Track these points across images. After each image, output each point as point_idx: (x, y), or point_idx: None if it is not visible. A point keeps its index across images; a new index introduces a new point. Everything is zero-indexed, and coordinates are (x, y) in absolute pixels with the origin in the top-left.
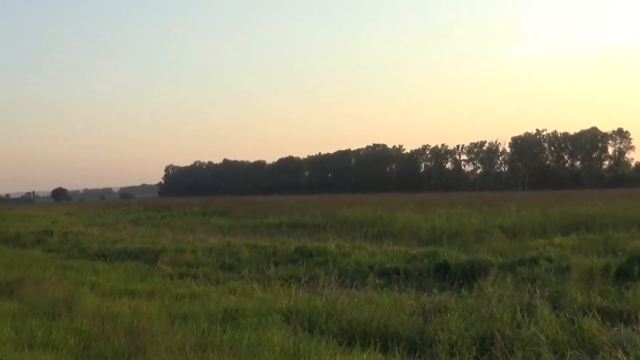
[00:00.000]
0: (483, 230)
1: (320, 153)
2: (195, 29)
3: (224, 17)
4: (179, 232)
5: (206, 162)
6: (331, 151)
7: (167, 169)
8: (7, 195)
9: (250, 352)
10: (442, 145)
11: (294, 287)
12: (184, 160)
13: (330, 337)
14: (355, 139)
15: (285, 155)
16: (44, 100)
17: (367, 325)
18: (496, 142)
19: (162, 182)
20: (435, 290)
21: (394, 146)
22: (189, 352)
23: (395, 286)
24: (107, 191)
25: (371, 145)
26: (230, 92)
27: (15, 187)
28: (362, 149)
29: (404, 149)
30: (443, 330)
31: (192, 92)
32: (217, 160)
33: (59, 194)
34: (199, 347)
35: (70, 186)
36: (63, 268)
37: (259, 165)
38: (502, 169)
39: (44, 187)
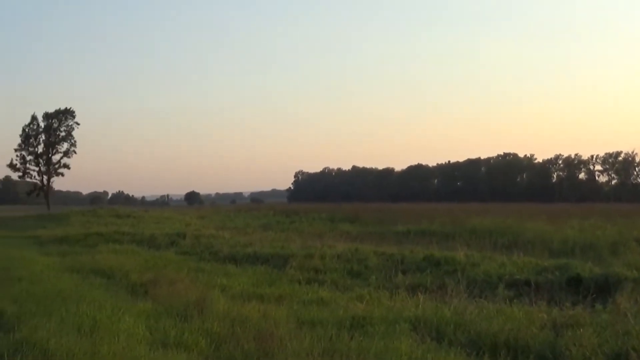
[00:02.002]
0: (618, 243)
1: (449, 161)
2: (319, 38)
3: (347, 26)
4: (308, 238)
5: (335, 168)
6: (461, 159)
7: (296, 175)
8: (143, 197)
9: None
10: (576, 155)
11: (422, 296)
12: (314, 166)
13: (459, 347)
14: (486, 147)
15: (414, 162)
16: (178, 109)
17: (496, 337)
18: (633, 152)
19: (292, 188)
20: (567, 303)
21: (525, 155)
22: (317, 358)
23: (526, 298)
24: (238, 195)
25: (502, 154)
26: (358, 100)
27: (150, 191)
28: (493, 157)
29: (536, 158)
30: (575, 345)
31: (321, 99)
32: (346, 166)
33: (192, 198)
34: (326, 353)
35: (202, 190)
36: (195, 270)
37: (388, 172)
38: (639, 180)
39: (178, 191)
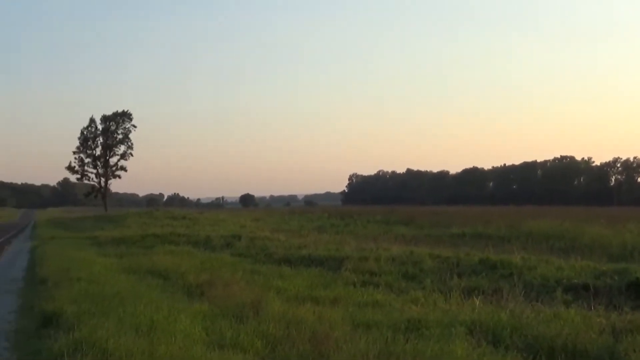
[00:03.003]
0: None
1: (505, 164)
2: (374, 40)
3: (400, 26)
4: (362, 240)
5: (389, 171)
6: (516, 162)
7: (350, 178)
8: (198, 200)
9: None
10: (635, 158)
11: (477, 299)
12: (368, 169)
13: (515, 351)
14: (542, 150)
15: (469, 165)
16: (234, 113)
17: (553, 342)
18: None
19: (346, 191)
20: (626, 308)
21: (583, 158)
22: None
23: (584, 303)
24: (292, 198)
25: (558, 157)
26: (413, 103)
27: (205, 193)
28: (549, 160)
29: (593, 162)
30: (635, 351)
31: (376, 102)
32: (401, 169)
33: (247, 200)
34: (381, 356)
35: (257, 192)
36: (250, 272)
37: (443, 175)
38: None
39: (233, 193)
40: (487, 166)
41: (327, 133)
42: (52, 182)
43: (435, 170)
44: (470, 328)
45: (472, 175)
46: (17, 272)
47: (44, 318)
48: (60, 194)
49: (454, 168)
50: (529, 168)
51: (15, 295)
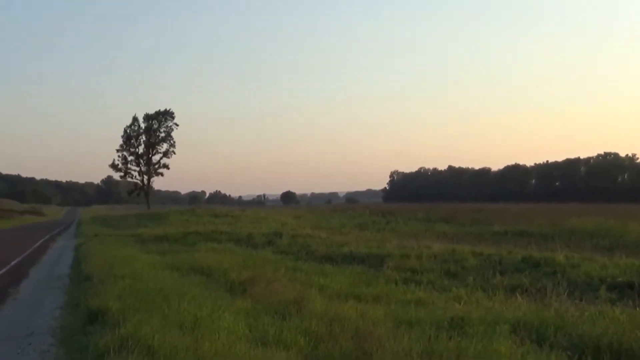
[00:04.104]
0: None
1: (547, 161)
2: (414, 39)
3: (446, 26)
4: (404, 238)
5: (431, 168)
6: (559, 159)
7: (391, 175)
8: (240, 197)
9: None
10: None
11: (521, 298)
12: (409, 166)
13: (560, 350)
14: (585, 147)
15: (511, 162)
16: (275, 111)
17: (599, 340)
18: None
19: (387, 188)
20: None
21: (627, 155)
22: (416, 358)
23: (629, 301)
24: (333, 195)
25: (602, 153)
26: (453, 100)
27: (247, 190)
28: (592, 157)
29: (638, 158)
30: None
31: (417, 99)
32: (442, 166)
33: (288, 197)
34: (425, 354)
35: (298, 190)
36: (292, 269)
37: (484, 172)
38: None
39: (274, 191)
40: (529, 163)
41: (368, 130)
42: (96, 180)
43: (476, 167)
44: (514, 326)
45: (514, 172)
46: (63, 269)
47: (90, 314)
48: (103, 192)
49: (496, 165)
50: (572, 165)
51: (61, 292)
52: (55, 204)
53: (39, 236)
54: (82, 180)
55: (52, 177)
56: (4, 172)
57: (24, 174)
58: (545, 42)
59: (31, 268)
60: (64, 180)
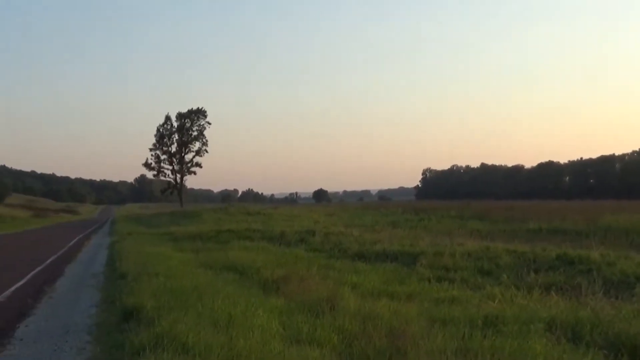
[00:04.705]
0: None
1: (581, 158)
2: (454, 37)
3: (477, 27)
4: (436, 236)
5: (463, 166)
6: (593, 156)
7: (424, 173)
8: (272, 195)
9: None
10: None
11: (556, 296)
12: (442, 164)
13: (596, 349)
14: (620, 143)
15: (544, 159)
16: (307, 109)
17: (636, 339)
18: None
19: (419, 186)
20: None
21: None
22: (450, 356)
23: None
24: (365, 193)
25: (637, 150)
26: (485, 97)
27: (279, 189)
28: (627, 153)
29: None
30: None
31: (449, 97)
32: (475, 164)
33: (320, 195)
34: (459, 352)
35: (330, 188)
36: (325, 267)
37: (517, 169)
38: None
39: (306, 189)
40: (563, 160)
41: (400, 128)
42: (130, 178)
43: (509, 164)
44: (549, 325)
45: (548, 170)
46: (97, 267)
47: (125, 312)
48: (137, 191)
49: (529, 162)
50: (606, 162)
51: (96, 290)
52: (90, 203)
53: (74, 234)
54: (115, 179)
55: (86, 176)
56: (40, 171)
57: (58, 173)
58: (582, 37)
59: (67, 266)
60: (98, 179)
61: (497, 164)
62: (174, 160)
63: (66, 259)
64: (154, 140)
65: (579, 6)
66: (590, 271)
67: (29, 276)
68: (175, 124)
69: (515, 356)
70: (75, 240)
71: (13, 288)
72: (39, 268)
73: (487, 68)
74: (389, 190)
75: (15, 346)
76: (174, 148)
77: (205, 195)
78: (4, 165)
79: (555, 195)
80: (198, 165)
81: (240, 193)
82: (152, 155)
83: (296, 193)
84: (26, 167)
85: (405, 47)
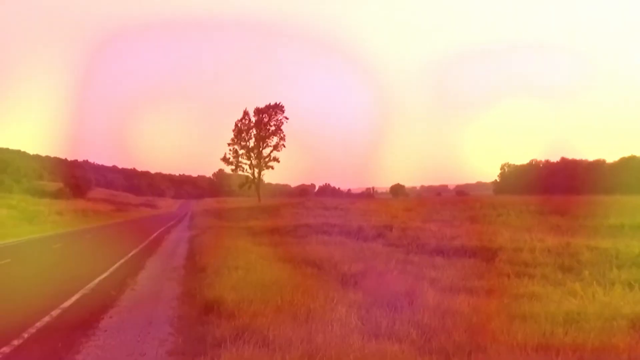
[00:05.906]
0: None
1: None
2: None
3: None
4: (516, 231)
5: (543, 160)
6: None
7: (502, 167)
8: (349, 190)
9: (595, 358)
10: None
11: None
12: (520, 158)
13: None
14: None
15: (627, 153)
16: (384, 102)
17: None
18: None
19: (498, 180)
20: None
21: None
22: (531, 353)
23: None
24: (443, 188)
25: None
26: (566, 89)
27: (356, 183)
28: None
29: None
30: None
31: (531, 89)
32: (554, 158)
33: (397, 190)
34: (540, 348)
35: (407, 182)
36: (403, 262)
37: (599, 164)
38: None
39: (383, 183)
40: None
41: (479, 122)
42: (208, 173)
43: (590, 158)
44: (633, 322)
45: (630, 164)
46: (178, 261)
47: (206, 305)
48: (215, 185)
49: (611, 156)
50: None
51: (177, 283)
52: (169, 197)
53: (154, 228)
54: (194, 174)
55: (165, 171)
56: (120, 166)
57: (139, 168)
58: None
59: (147, 259)
60: (177, 174)
61: (578, 158)
62: (252, 155)
63: (147, 252)
64: (232, 136)
65: None
66: None
67: (111, 269)
68: (253, 119)
69: (597, 353)
70: (155, 234)
71: (97, 280)
72: (121, 261)
73: (566, 62)
74: (467, 185)
75: (100, 337)
76: (251, 143)
77: (282, 190)
78: (87, 160)
79: (639, 190)
80: (275, 159)
81: (317, 187)
82: (230, 150)
83: (373, 188)
84: (108, 162)
85: (476, 41)
